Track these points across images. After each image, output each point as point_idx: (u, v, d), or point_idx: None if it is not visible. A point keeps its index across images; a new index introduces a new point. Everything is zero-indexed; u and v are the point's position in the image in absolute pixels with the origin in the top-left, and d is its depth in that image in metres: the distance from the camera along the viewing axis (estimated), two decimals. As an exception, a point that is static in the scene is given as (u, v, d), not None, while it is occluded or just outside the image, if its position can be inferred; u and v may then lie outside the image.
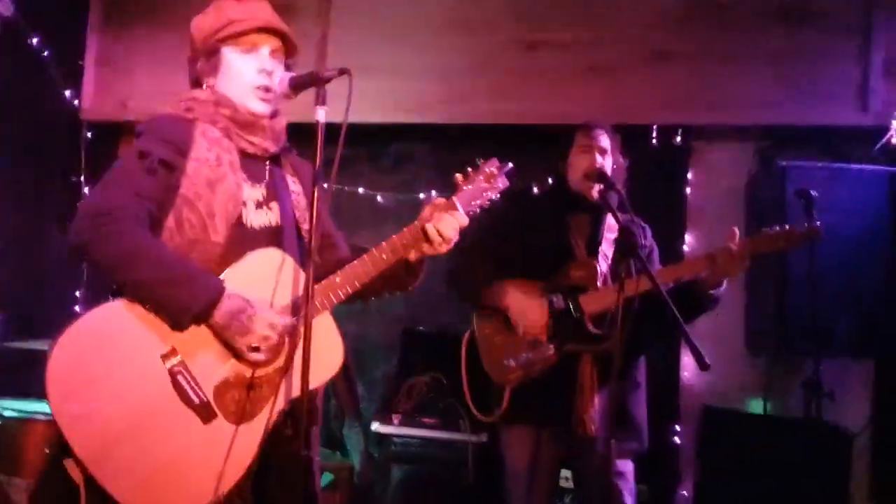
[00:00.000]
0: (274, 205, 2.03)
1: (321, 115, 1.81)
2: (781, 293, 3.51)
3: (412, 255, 2.07)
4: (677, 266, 2.69)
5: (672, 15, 4.07)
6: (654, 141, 4.17)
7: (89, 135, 4.70)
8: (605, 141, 2.82)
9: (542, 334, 2.70)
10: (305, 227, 2.04)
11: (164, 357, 1.79)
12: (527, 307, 2.72)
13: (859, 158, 3.83)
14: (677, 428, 4.04)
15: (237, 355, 1.86)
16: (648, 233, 2.90)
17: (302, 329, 1.74)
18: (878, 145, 3.80)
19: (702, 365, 2.13)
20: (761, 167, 4.04)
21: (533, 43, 4.25)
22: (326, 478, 3.92)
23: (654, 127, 4.17)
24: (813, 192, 2.60)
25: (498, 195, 2.13)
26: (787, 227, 2.58)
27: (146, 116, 2.04)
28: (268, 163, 2.08)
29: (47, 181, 4.57)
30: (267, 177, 2.05)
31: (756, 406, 3.92)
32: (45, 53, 4.39)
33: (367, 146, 4.76)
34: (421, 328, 4.52)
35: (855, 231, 3.55)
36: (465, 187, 2.09)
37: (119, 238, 1.77)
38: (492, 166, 2.13)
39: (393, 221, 4.61)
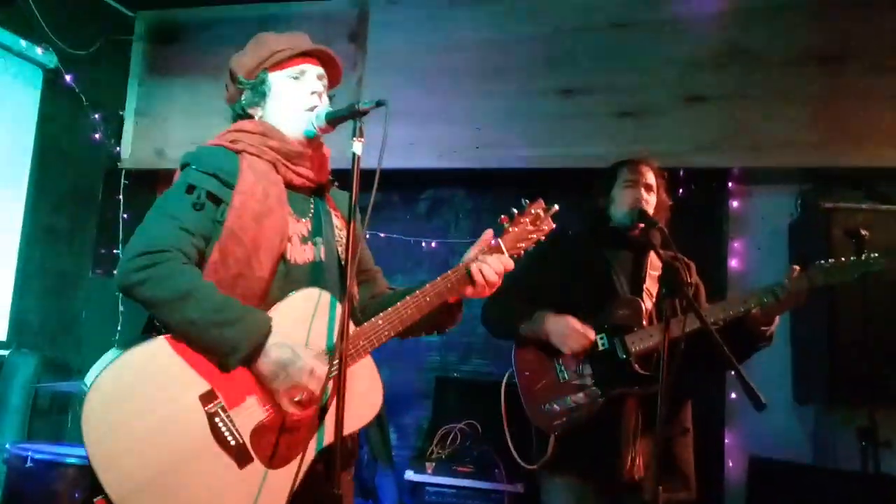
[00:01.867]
0: (318, 240, 2.00)
1: (358, 148, 1.80)
2: (832, 340, 3.39)
3: (452, 298, 2.02)
4: (725, 303, 2.59)
5: (706, 58, 4.05)
6: (692, 185, 4.12)
7: (127, 182, 4.78)
8: (650, 177, 2.78)
9: (588, 344, 2.60)
10: (345, 262, 1.98)
11: (203, 398, 1.75)
12: (567, 324, 2.62)
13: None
14: (724, 477, 3.89)
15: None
16: (693, 269, 2.83)
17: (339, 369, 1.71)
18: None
19: (757, 405, 2.03)
20: (804, 210, 3.95)
21: (567, 88, 4.26)
22: (359, 528, 3.83)
23: (690, 171, 4.12)
24: (863, 231, 2.52)
25: (544, 237, 2.10)
26: (843, 258, 2.50)
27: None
28: (312, 196, 2.06)
29: (85, 226, 4.64)
30: (311, 211, 2.03)
31: (805, 457, 3.76)
32: (87, 103, 4.50)
33: (401, 192, 4.78)
34: (455, 375, 4.46)
35: (902, 274, 3.43)
36: (511, 229, 2.05)
37: (171, 277, 1.75)
38: (538, 208, 2.09)
39: (428, 267, 4.62)
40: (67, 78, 4.40)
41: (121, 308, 4.41)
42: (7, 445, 3.24)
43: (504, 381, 2.86)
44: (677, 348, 2.26)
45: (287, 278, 1.89)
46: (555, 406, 2.65)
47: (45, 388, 3.69)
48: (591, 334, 2.62)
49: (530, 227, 2.06)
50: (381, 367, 4.61)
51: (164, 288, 1.73)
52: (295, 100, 2.00)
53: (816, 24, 3.94)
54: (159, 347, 1.75)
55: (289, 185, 1.98)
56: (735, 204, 4.22)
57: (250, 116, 2.05)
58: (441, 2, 4.49)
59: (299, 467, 1.80)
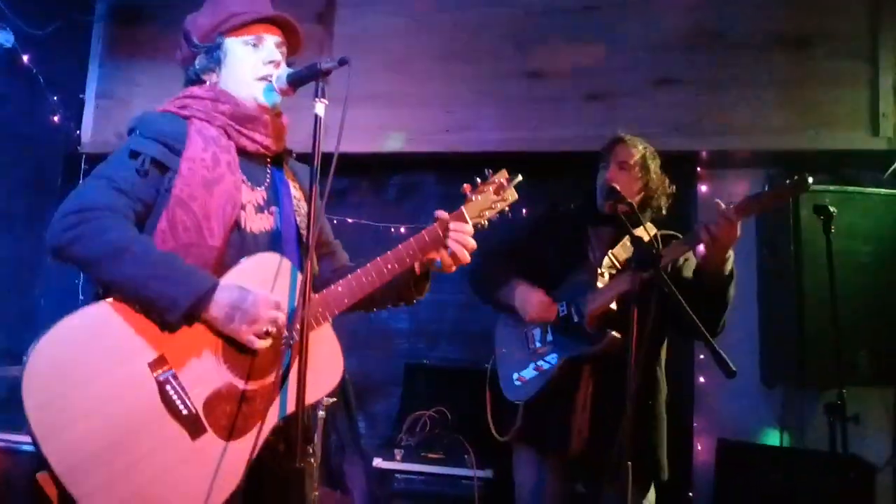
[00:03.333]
0: (274, 209, 1.94)
1: (320, 110, 1.74)
2: (800, 322, 3.39)
3: (418, 268, 1.96)
4: (670, 248, 2.54)
5: (675, 41, 4.04)
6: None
7: (87, 167, 4.66)
8: (624, 155, 2.73)
9: (550, 315, 2.60)
10: (305, 233, 1.94)
11: (153, 365, 1.68)
12: (529, 293, 2.66)
13: (870, 183, 3.76)
14: (692, 460, 3.89)
15: (232, 365, 1.74)
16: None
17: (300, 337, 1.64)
18: (890, 170, 3.74)
19: (728, 372, 2.02)
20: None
21: (535, 70, 4.22)
22: (327, 517, 3.77)
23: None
24: (832, 209, 2.51)
25: (508, 208, 2.06)
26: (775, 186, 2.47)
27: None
28: (269, 165, 2.00)
29: (43, 212, 4.50)
30: (268, 180, 1.96)
31: (772, 439, 3.78)
32: (45, 85, 4.38)
33: (369, 177, 4.70)
34: (425, 361, 4.41)
35: (869, 257, 3.46)
36: (474, 198, 2.01)
37: (103, 233, 1.67)
38: (501, 177, 2.06)
39: (396, 252, 4.57)
40: (25, 58, 4.27)
41: (80, 296, 4.30)
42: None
43: (490, 364, 2.87)
44: (634, 304, 2.18)
45: (243, 247, 1.83)
46: (521, 375, 2.65)
47: (1, 377, 3.57)
48: (554, 306, 2.62)
49: (494, 197, 2.03)
50: (349, 355, 4.55)
51: (97, 244, 1.66)
52: (251, 68, 1.94)
53: (784, 7, 3.93)
54: (103, 311, 1.67)
55: (242, 152, 1.91)
56: (704, 188, 4.21)
57: (203, 81, 1.97)
58: (409, -18, 4.43)
59: (257, 439, 1.72)
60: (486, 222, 2.03)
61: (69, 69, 4.70)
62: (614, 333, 2.49)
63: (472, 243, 1.94)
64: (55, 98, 4.50)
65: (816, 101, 3.85)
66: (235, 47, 1.95)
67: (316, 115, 1.73)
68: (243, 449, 1.72)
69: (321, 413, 3.32)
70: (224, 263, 1.78)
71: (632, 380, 2.10)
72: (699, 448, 3.93)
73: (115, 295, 1.69)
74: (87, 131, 4.72)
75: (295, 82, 1.88)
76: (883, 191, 3.53)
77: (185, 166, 1.78)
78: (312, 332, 1.78)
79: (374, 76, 4.25)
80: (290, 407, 1.77)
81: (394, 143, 4.37)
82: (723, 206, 2.41)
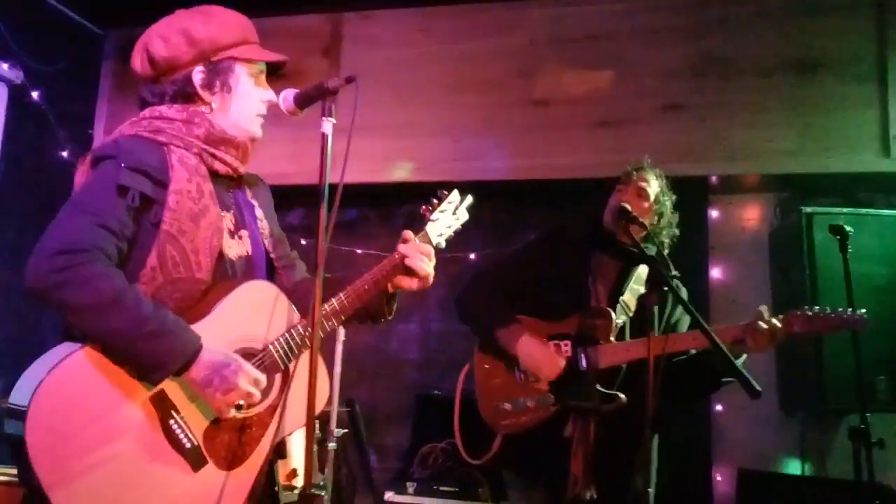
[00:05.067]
0: (244, 233, 1.88)
1: (328, 128, 1.72)
2: (817, 346, 3.33)
3: (390, 287, 1.96)
4: (699, 333, 2.41)
5: (683, 67, 4.05)
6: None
7: (96, 202, 4.66)
8: (642, 183, 2.69)
9: (559, 372, 2.52)
10: (273, 255, 1.95)
11: (154, 399, 1.63)
12: (537, 349, 2.54)
13: (882, 206, 3.73)
14: (712, 491, 3.81)
15: None
16: (683, 293, 2.66)
17: (292, 368, 1.70)
18: (903, 191, 3.72)
19: (752, 392, 1.97)
20: (783, 217, 3.93)
21: (542, 99, 4.23)
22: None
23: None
24: (848, 228, 2.47)
25: (461, 227, 2.07)
26: (827, 309, 2.40)
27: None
28: (231, 188, 1.91)
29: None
30: (234, 202, 1.89)
31: (793, 467, 3.70)
32: (54, 121, 4.40)
33: (378, 208, 4.70)
34: (436, 392, 4.35)
35: (885, 279, 3.42)
36: (432, 218, 2.01)
37: (93, 281, 1.57)
38: (454, 198, 2.07)
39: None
40: (34, 95, 4.29)
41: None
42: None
43: (465, 373, 2.75)
44: (647, 367, 2.17)
45: (224, 276, 1.78)
46: (506, 405, 2.56)
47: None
48: (562, 363, 2.53)
49: (451, 216, 2.04)
50: (359, 386, 4.50)
51: (86, 293, 1.56)
52: (256, 104, 1.87)
53: (791, 31, 3.95)
54: (88, 354, 1.59)
55: (211, 174, 1.82)
56: (714, 213, 4.19)
57: (191, 99, 1.81)
58: (415, 15, 4.46)
59: (262, 467, 1.72)
60: (444, 243, 2.03)
61: (78, 105, 4.73)
62: (623, 398, 2.44)
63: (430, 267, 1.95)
64: (64, 133, 4.51)
65: (826, 125, 3.85)
66: (244, 78, 1.86)
67: (323, 134, 1.71)
68: (242, 476, 1.71)
69: (332, 446, 3.26)
70: (208, 293, 1.73)
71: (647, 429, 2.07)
72: (719, 479, 3.86)
73: (95, 344, 1.60)
74: (95, 166, 4.74)
75: (302, 102, 1.83)
76: (894, 212, 3.50)
77: (173, 199, 1.70)
78: (301, 356, 1.77)
79: (382, 107, 4.26)
80: (286, 430, 1.76)
81: (402, 172, 4.38)
82: (765, 317, 2.36)
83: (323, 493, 2.27)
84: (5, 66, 4.14)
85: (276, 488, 1.88)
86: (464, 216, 2.06)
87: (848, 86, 3.83)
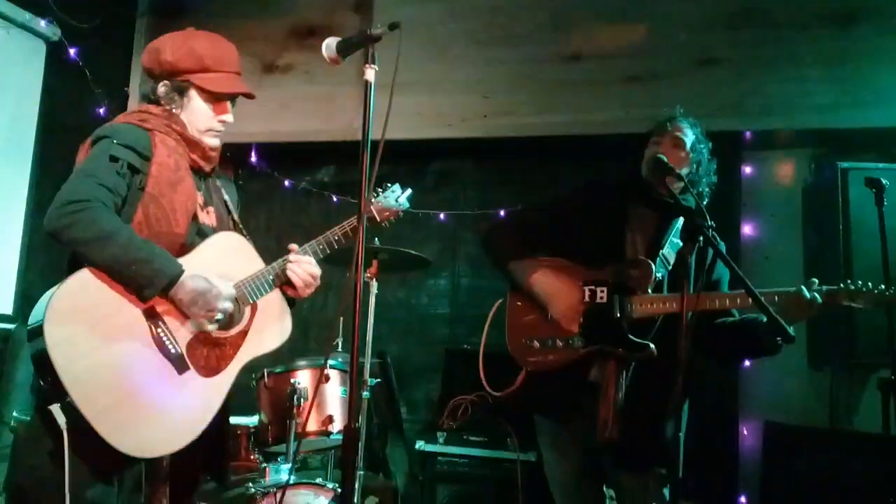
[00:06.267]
0: (211, 209, 2.31)
1: (371, 76, 1.76)
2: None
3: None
4: (736, 294, 2.45)
5: (718, 20, 3.99)
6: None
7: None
8: (678, 134, 2.65)
9: (574, 323, 2.55)
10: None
11: (146, 312, 2.04)
12: (559, 290, 2.56)
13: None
14: (738, 444, 3.85)
15: None
16: (722, 247, 2.56)
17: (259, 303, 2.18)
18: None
19: (786, 337, 1.99)
20: (818, 173, 3.89)
21: (575, 54, 4.20)
22: (371, 501, 3.80)
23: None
24: (884, 181, 2.45)
25: (401, 213, 2.60)
26: (870, 284, 2.37)
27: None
28: (201, 175, 2.33)
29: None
30: (203, 186, 2.31)
31: (821, 421, 3.72)
32: (91, 78, 4.46)
33: (408, 164, 4.71)
34: (466, 347, 4.40)
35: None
36: (378, 202, 2.54)
37: (94, 221, 1.97)
38: (397, 187, 2.60)
39: (437, 239, 4.58)
40: (71, 52, 4.36)
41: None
42: (14, 414, 3.24)
43: (496, 305, 2.76)
44: (682, 322, 2.20)
45: (198, 235, 2.20)
46: (535, 342, 2.58)
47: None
48: (577, 321, 2.55)
49: (393, 203, 2.56)
50: (390, 341, 4.58)
51: (89, 229, 1.96)
52: (206, 120, 2.26)
53: (828, -17, 3.87)
54: (93, 273, 1.99)
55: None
56: (748, 170, 4.16)
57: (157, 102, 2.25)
58: (446, -31, 4.43)
59: (234, 379, 2.17)
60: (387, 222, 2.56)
61: (114, 62, 4.79)
62: (653, 348, 2.46)
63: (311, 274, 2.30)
64: (100, 91, 4.58)
65: (862, 79, 3.78)
66: (197, 99, 2.25)
67: (366, 81, 1.75)
68: (221, 384, 2.14)
69: (365, 395, 3.35)
70: (185, 246, 2.14)
71: (676, 382, 2.12)
72: (745, 432, 3.89)
73: (98, 269, 1.99)
74: (130, 124, 4.81)
75: (344, 50, 1.92)
76: (932, 168, 3.45)
77: (155, 169, 2.11)
78: (267, 297, 2.24)
79: (413, 63, 4.22)
80: (253, 352, 2.20)
81: (432, 129, 4.39)
82: (806, 292, 2.34)
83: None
84: (42, 23, 4.20)
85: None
86: (403, 203, 2.60)
87: (885, 38, 3.76)
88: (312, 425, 3.12)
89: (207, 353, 2.13)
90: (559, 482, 2.69)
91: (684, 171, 2.59)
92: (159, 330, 2.05)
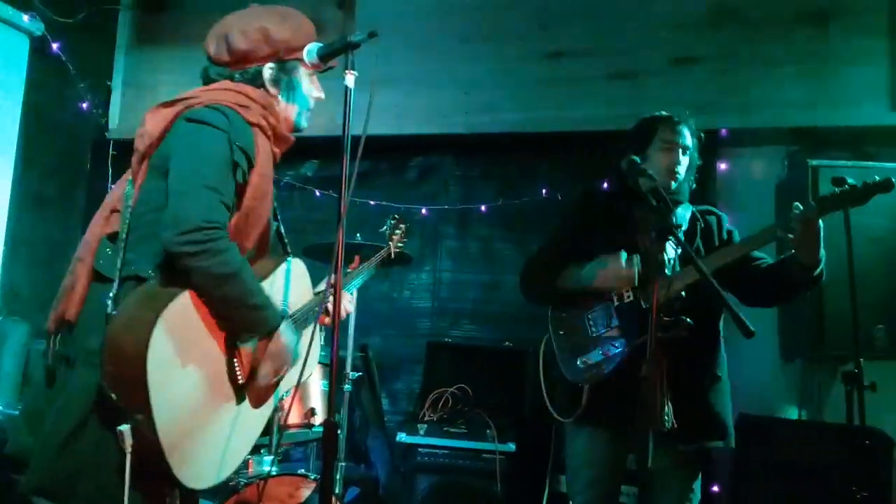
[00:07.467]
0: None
1: (350, 81, 1.81)
2: (818, 296, 3.42)
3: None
4: (727, 249, 2.62)
5: (695, 19, 4.06)
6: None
7: (115, 153, 4.76)
8: (688, 139, 2.74)
9: (632, 280, 2.62)
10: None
11: (226, 339, 1.93)
12: (609, 263, 2.64)
13: (890, 160, 3.76)
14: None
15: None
16: (725, 220, 2.83)
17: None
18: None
19: (746, 332, 2.07)
20: (791, 170, 3.98)
21: (555, 51, 4.26)
22: (352, 491, 3.86)
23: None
24: (850, 180, 2.52)
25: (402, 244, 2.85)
26: (854, 185, 2.47)
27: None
28: None
29: (73, 196, 4.63)
30: None
31: (791, 413, 3.81)
32: (74, 72, 4.48)
33: (389, 160, 4.77)
34: (446, 340, 4.48)
35: (887, 232, 3.49)
36: (393, 235, 2.84)
37: (222, 255, 1.83)
38: (401, 223, 2.92)
39: (419, 233, 4.63)
40: (54, 46, 4.37)
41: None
42: (0, 407, 3.27)
43: (542, 346, 2.87)
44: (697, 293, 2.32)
45: (262, 245, 2.09)
46: (586, 359, 2.68)
47: (36, 354, 3.71)
48: (630, 263, 2.63)
49: (400, 236, 2.87)
50: (373, 333, 4.61)
51: (216, 265, 1.82)
52: (307, 100, 2.13)
53: (802, -16, 3.96)
54: (195, 298, 1.87)
55: None
56: (723, 166, 4.24)
57: (259, 86, 2.05)
58: (429, -34, 4.48)
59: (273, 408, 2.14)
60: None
61: (97, 56, 4.80)
62: (688, 320, 2.53)
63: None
64: (84, 85, 4.60)
65: (835, 78, 3.87)
66: (304, 78, 2.11)
67: (346, 87, 1.81)
68: (263, 416, 2.10)
69: (347, 388, 3.40)
70: (250, 260, 2.01)
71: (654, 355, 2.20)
72: (718, 423, 3.96)
73: (204, 298, 1.87)
74: (114, 118, 4.83)
75: (325, 56, 1.97)
76: (900, 166, 3.54)
77: (255, 180, 1.96)
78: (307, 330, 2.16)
79: (395, 59, 4.30)
80: (291, 382, 2.12)
81: (414, 125, 4.43)
82: (801, 207, 2.46)
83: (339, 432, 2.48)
84: (26, 17, 4.21)
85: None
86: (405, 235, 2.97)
87: (859, 38, 3.84)
88: (294, 418, 3.17)
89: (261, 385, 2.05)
90: (584, 474, 2.72)
91: (682, 171, 2.72)
92: (234, 360, 1.95)
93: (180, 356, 1.80)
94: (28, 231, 4.27)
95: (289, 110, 2.10)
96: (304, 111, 2.14)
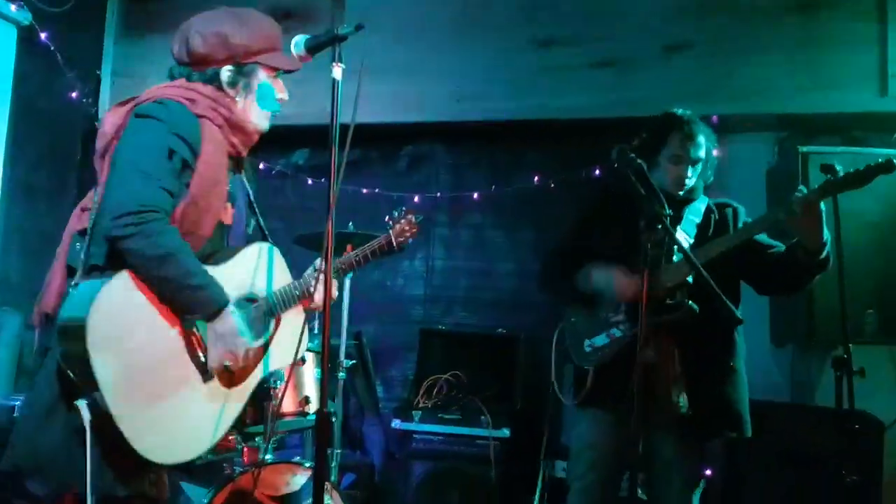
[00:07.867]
0: (229, 205, 2.20)
1: (338, 74, 1.82)
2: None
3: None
4: (726, 237, 2.65)
5: (685, 6, 4.06)
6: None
7: (106, 142, 4.73)
8: (700, 150, 2.77)
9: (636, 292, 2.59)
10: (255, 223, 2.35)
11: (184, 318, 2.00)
12: (615, 274, 2.67)
13: (879, 146, 3.79)
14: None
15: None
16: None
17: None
18: (900, 130, 3.77)
19: (733, 320, 2.09)
20: (782, 156, 4.00)
21: (545, 39, 4.26)
22: (348, 477, 3.89)
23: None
24: (838, 167, 2.54)
25: (412, 237, 2.51)
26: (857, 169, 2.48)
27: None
28: (230, 166, 2.20)
29: (64, 186, 4.61)
30: (230, 176, 2.19)
31: (783, 397, 3.85)
32: (63, 62, 4.44)
33: (380, 148, 4.77)
34: (440, 327, 4.49)
35: (878, 216, 3.51)
36: (396, 226, 2.47)
37: (157, 236, 1.89)
38: (411, 214, 2.52)
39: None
40: (42, 36, 4.33)
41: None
42: (-4, 398, 3.28)
43: (556, 333, 2.93)
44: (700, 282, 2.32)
45: (219, 236, 2.16)
46: (592, 343, 2.72)
47: (29, 344, 3.71)
48: (637, 283, 2.59)
49: (406, 228, 2.48)
50: (366, 321, 4.63)
51: (151, 245, 1.88)
52: (266, 104, 2.18)
53: (793, -31, 3.96)
54: (136, 277, 1.93)
55: None
56: (714, 153, 4.23)
57: (217, 87, 2.11)
58: (419, -46, 4.46)
59: (253, 389, 2.16)
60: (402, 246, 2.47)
61: (86, 46, 4.77)
62: (691, 304, 2.55)
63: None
64: (73, 75, 4.56)
65: (826, 64, 3.88)
66: (265, 81, 2.16)
67: (334, 80, 1.81)
68: (241, 395, 2.13)
69: (341, 376, 3.42)
70: (204, 248, 2.07)
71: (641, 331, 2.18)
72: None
73: (146, 283, 1.93)
74: (104, 107, 4.80)
75: (312, 48, 1.99)
76: (892, 151, 3.55)
77: (202, 167, 2.01)
78: (290, 311, 2.21)
79: (385, 47, 4.28)
80: (273, 366, 2.18)
81: (404, 113, 4.43)
82: (804, 191, 2.49)
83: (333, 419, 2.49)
84: (13, 7, 4.16)
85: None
86: (416, 228, 2.55)
87: (848, 24, 3.85)
88: (289, 406, 3.18)
89: None
90: (587, 456, 2.75)
91: (691, 183, 2.78)
92: (193, 338, 2.00)
93: (123, 332, 1.89)
94: (19, 221, 4.25)
95: (247, 112, 2.14)
96: (265, 112, 2.18)
